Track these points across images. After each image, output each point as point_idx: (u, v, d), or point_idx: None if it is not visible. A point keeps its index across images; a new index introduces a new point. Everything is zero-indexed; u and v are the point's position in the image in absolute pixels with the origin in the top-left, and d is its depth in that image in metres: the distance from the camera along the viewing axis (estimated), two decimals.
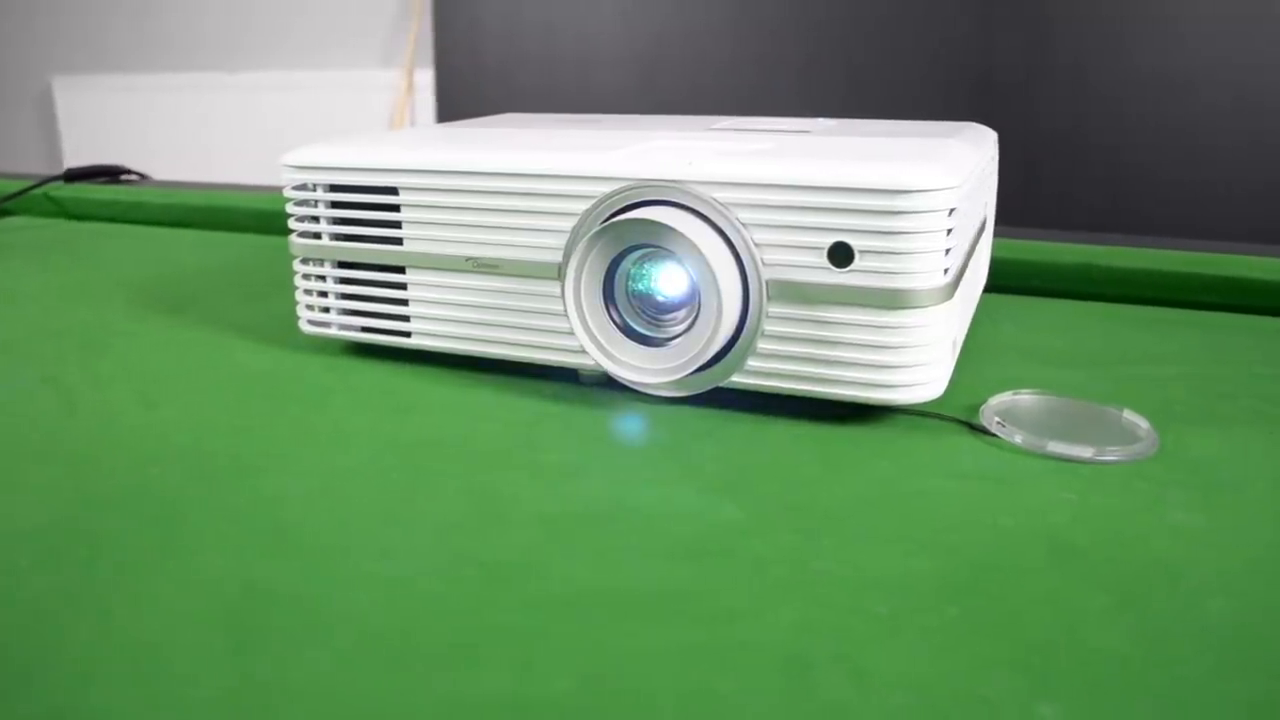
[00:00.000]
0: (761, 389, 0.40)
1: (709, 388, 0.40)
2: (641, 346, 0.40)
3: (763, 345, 0.39)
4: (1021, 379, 0.44)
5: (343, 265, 0.47)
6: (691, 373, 0.39)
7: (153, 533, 0.31)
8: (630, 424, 0.40)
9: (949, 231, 0.37)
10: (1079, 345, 0.50)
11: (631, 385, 0.41)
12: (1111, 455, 0.36)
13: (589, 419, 0.40)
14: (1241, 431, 0.38)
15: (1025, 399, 0.41)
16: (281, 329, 0.53)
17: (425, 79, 2.08)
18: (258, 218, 0.78)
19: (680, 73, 1.89)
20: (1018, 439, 0.37)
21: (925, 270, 0.37)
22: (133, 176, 0.94)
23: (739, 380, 0.40)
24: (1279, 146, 1.51)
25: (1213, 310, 0.55)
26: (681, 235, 0.37)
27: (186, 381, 0.45)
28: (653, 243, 0.39)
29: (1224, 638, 0.25)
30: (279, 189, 0.86)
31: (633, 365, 0.40)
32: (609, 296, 0.40)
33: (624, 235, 0.39)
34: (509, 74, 2.00)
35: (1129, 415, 0.39)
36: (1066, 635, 0.26)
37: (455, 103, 2.07)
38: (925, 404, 0.39)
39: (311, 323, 0.49)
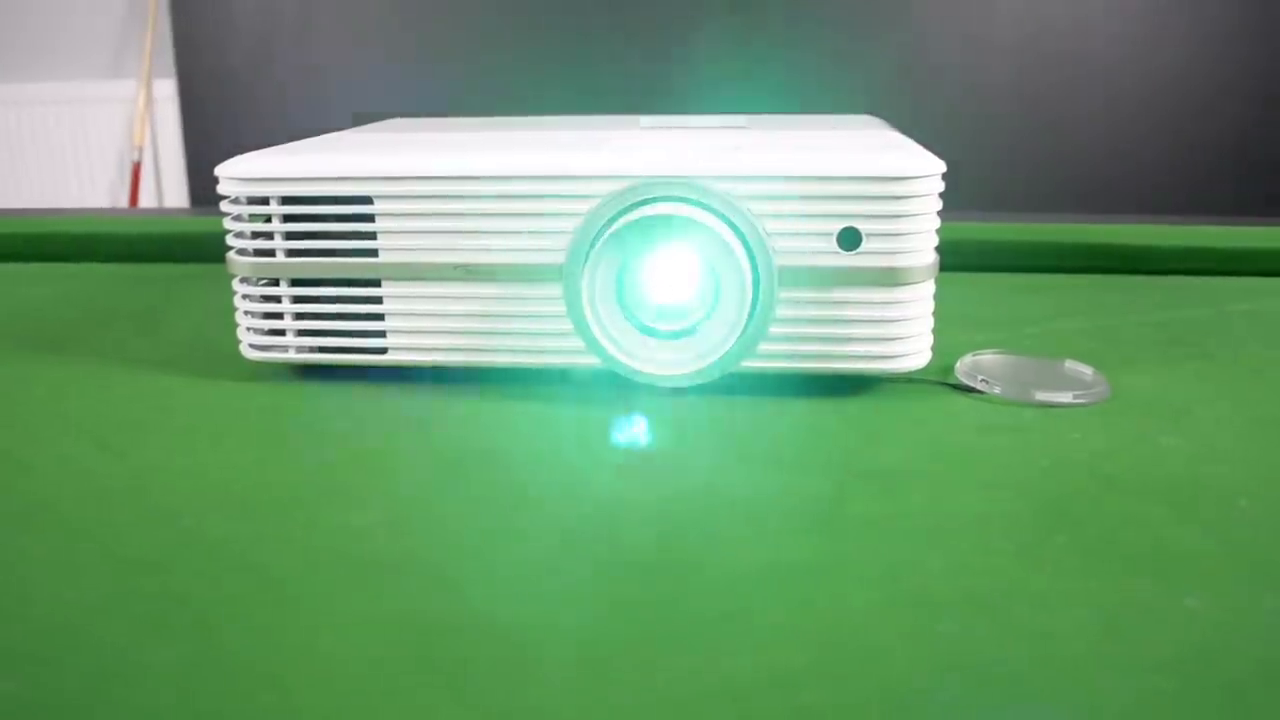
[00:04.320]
0: (772, 370, 0.42)
1: (723, 374, 0.42)
2: (655, 341, 0.41)
3: (773, 329, 0.41)
4: (966, 342, 0.49)
5: (298, 283, 0.44)
6: (712, 362, 0.41)
7: (246, 583, 0.28)
8: (639, 422, 0.41)
9: (938, 212, 0.41)
10: (983, 310, 0.56)
11: (648, 381, 0.42)
12: (1083, 399, 0.42)
13: (616, 417, 0.40)
14: (1162, 370, 0.46)
15: (986, 358, 0.46)
16: (205, 357, 0.48)
17: (167, 90, 1.90)
18: (80, 243, 0.69)
19: (460, 72, 1.86)
20: (997, 390, 0.42)
21: (921, 249, 0.41)
22: None
23: (750, 365, 0.42)
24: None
25: (1077, 273, 0.64)
26: (702, 227, 0.39)
27: (144, 424, 0.40)
28: (669, 238, 0.40)
29: (1271, 527, 0.31)
30: (81, 212, 0.77)
31: (650, 360, 0.41)
32: (620, 294, 0.41)
33: (644, 232, 0.39)
34: (263, 81, 1.87)
35: (1071, 364, 0.46)
36: (1157, 543, 0.30)
37: (204, 114, 1.90)
38: (913, 371, 0.43)
39: (257, 347, 0.45)
